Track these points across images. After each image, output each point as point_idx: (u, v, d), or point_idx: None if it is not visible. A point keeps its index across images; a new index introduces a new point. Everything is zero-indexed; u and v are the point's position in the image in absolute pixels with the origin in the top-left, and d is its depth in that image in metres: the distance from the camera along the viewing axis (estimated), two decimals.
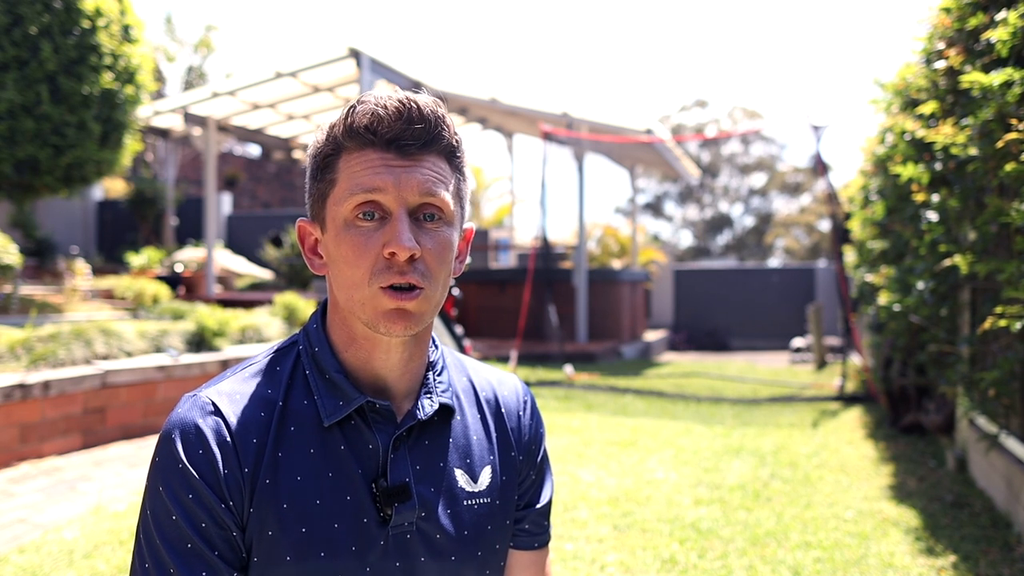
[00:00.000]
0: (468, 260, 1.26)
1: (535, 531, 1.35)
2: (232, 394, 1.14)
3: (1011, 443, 4.31)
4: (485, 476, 1.25)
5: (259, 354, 1.23)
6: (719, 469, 5.62)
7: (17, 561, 3.64)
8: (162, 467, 1.08)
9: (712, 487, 5.13)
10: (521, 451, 1.32)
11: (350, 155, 1.10)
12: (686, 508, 4.65)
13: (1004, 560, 3.76)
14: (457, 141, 1.14)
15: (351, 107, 1.10)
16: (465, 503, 1.21)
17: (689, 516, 4.49)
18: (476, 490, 1.23)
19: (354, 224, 1.09)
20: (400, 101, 1.07)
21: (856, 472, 5.58)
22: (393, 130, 1.07)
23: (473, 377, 1.34)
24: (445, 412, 1.23)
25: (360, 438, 1.15)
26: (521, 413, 1.35)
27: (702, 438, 6.78)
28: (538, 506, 1.35)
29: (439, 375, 1.25)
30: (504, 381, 1.37)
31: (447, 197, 1.11)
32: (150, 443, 6.08)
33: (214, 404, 1.11)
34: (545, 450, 1.38)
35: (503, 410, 1.32)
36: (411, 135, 1.08)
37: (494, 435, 1.29)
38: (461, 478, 1.22)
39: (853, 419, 7.84)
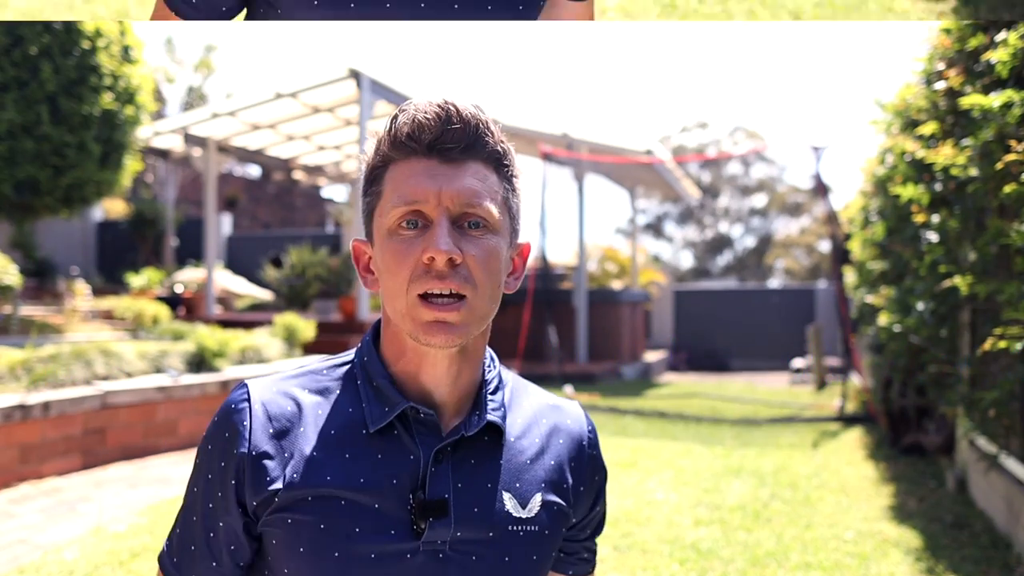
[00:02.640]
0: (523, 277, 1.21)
1: (590, 558, 1.34)
2: (281, 391, 1.15)
3: (1011, 464, 4.31)
4: (535, 503, 1.18)
5: (314, 359, 1.24)
6: (719, 490, 5.61)
7: None
8: (203, 450, 1.16)
9: (712, 508, 5.11)
10: (582, 482, 1.27)
11: (396, 166, 1.09)
12: (686, 529, 4.64)
13: None
14: (503, 149, 1.12)
15: (393, 117, 1.10)
16: (510, 528, 1.15)
17: (689, 537, 4.47)
18: (524, 516, 1.17)
19: (396, 233, 1.07)
20: (439, 105, 1.06)
21: (856, 493, 5.56)
22: (433, 133, 1.06)
23: (534, 401, 1.29)
24: (495, 432, 1.17)
25: (402, 448, 1.12)
26: (584, 444, 1.29)
27: (702, 459, 6.76)
28: (598, 535, 1.35)
29: (492, 394, 1.19)
30: (567, 409, 1.32)
31: (491, 207, 1.08)
32: (150, 464, 6.07)
33: (260, 397, 1.13)
34: (604, 481, 1.34)
35: (564, 439, 1.27)
36: (451, 137, 1.06)
37: (551, 462, 1.23)
38: (508, 502, 1.16)
39: (853, 440, 7.83)
